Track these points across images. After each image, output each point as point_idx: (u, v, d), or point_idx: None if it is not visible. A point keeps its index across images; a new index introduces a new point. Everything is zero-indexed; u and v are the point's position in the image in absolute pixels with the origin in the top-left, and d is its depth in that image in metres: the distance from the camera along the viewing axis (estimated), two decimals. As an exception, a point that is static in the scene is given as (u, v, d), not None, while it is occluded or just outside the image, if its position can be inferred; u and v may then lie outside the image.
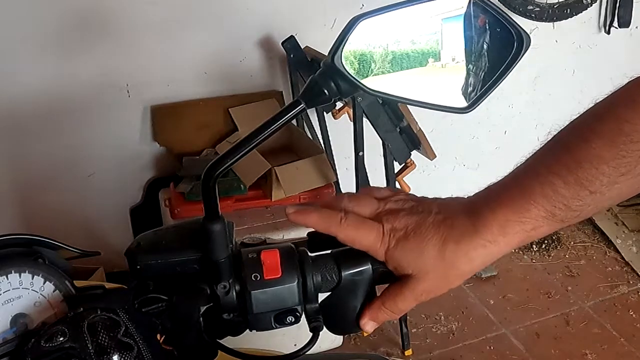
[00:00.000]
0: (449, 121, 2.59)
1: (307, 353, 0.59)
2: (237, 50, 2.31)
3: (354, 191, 2.01)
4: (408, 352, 2.21)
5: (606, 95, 0.55)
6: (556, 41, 2.68)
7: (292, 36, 2.19)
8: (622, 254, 2.69)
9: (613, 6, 2.64)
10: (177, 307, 0.57)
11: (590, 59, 2.76)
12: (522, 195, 0.55)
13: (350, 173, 2.03)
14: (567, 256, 2.72)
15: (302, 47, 2.20)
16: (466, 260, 0.57)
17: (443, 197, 0.63)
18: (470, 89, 0.59)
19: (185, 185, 2.06)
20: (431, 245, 0.57)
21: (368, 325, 0.61)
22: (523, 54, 0.56)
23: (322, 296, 0.61)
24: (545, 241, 2.79)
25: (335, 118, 2.28)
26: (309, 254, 0.61)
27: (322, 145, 2.31)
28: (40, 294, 0.57)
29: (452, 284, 0.58)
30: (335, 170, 2.17)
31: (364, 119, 1.89)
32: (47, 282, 0.57)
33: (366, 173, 1.97)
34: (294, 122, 2.25)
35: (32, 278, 0.56)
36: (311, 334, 0.60)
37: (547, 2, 2.45)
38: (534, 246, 2.78)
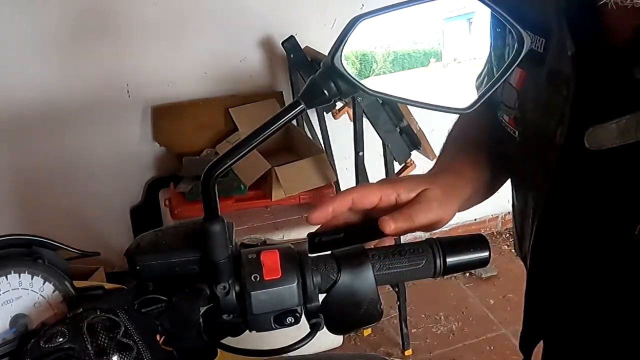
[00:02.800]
0: (449, 121, 2.58)
1: (308, 354, 0.59)
2: (237, 50, 2.31)
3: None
4: (408, 352, 2.21)
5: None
6: (556, 41, 2.68)
7: (292, 36, 2.18)
8: (622, 254, 2.69)
9: (613, 6, 2.64)
10: (177, 308, 0.56)
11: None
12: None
13: (350, 173, 2.03)
14: (567, 256, 2.72)
15: (302, 47, 2.20)
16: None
17: None
18: (470, 88, 0.59)
19: (185, 185, 2.06)
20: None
21: (385, 222, 0.61)
22: (523, 55, 0.55)
23: (322, 296, 0.61)
24: (546, 241, 2.79)
25: (335, 118, 2.28)
26: (309, 254, 0.61)
27: (322, 145, 2.31)
28: (40, 295, 0.56)
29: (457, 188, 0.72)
30: (335, 170, 2.17)
31: (364, 119, 1.89)
32: (47, 283, 0.57)
33: (366, 173, 1.97)
34: (294, 122, 2.25)
35: (32, 278, 0.56)
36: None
37: (547, 2, 2.45)
38: (534, 246, 2.78)
